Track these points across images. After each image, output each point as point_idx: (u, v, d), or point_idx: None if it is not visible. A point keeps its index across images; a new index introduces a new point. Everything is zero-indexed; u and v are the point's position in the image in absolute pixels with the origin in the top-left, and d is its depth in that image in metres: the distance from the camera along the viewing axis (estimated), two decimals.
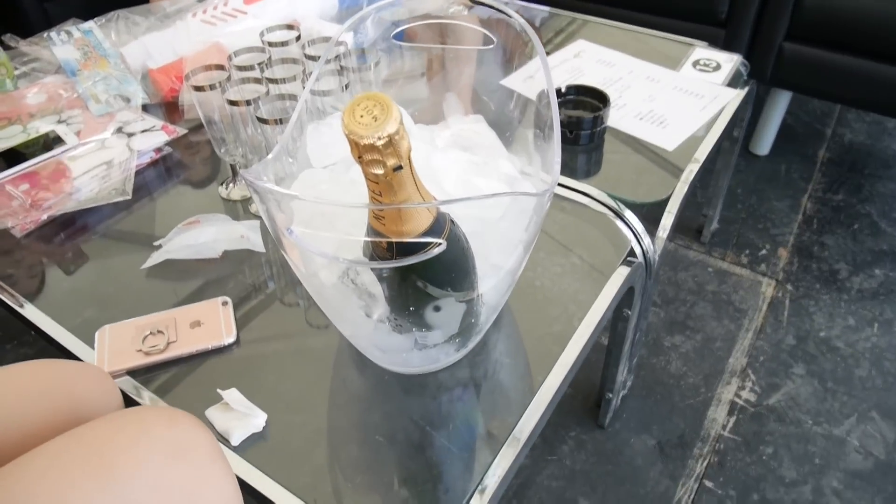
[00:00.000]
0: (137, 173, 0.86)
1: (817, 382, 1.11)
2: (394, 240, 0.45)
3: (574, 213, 0.79)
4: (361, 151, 0.39)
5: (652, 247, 0.77)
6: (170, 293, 0.70)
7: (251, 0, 1.05)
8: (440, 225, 0.46)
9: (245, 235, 0.75)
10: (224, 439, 0.57)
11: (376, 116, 0.39)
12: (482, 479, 0.54)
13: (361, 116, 0.39)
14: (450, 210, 0.48)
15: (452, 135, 0.69)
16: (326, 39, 0.80)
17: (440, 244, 0.44)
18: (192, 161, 0.91)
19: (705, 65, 1.05)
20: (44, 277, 0.74)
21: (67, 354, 0.65)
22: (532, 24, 1.20)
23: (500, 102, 0.75)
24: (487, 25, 0.69)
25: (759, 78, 1.39)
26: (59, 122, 0.92)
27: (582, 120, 0.88)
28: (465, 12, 0.92)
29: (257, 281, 0.72)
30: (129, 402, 0.60)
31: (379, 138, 0.38)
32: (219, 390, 0.59)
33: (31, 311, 0.70)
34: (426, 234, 0.45)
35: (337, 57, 0.73)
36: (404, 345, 0.56)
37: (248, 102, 0.69)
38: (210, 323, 0.66)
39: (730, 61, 1.05)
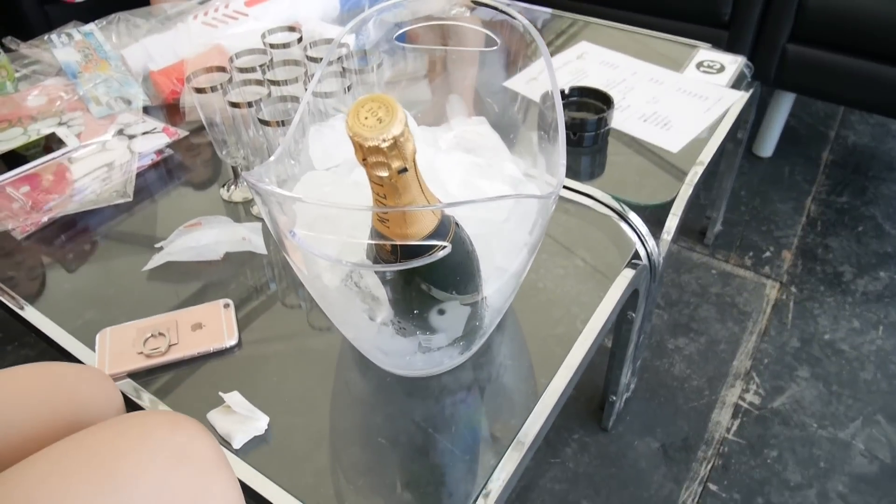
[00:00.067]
0: (138, 175, 0.85)
1: (822, 385, 1.11)
2: (398, 242, 0.45)
3: (578, 215, 0.79)
4: (366, 154, 0.39)
5: (656, 249, 0.76)
6: (171, 295, 0.70)
7: (252, 2, 1.05)
8: (445, 227, 0.46)
9: (247, 237, 0.75)
10: (226, 442, 0.56)
11: (381, 118, 0.38)
12: (486, 482, 0.54)
13: (366, 118, 0.38)
14: (454, 212, 0.48)
15: (455, 137, 0.68)
16: (328, 41, 0.80)
17: (445, 247, 0.44)
18: (193, 163, 0.90)
19: (709, 66, 1.05)
20: (44, 280, 0.74)
21: (68, 357, 0.65)
22: (534, 26, 1.19)
23: (503, 104, 0.75)
24: (489, 27, 0.69)
25: (763, 80, 1.38)
26: (60, 124, 0.91)
27: (586, 122, 0.87)
28: (467, 14, 0.92)
29: (259, 283, 0.71)
30: (129, 404, 0.60)
31: (384, 140, 0.38)
32: (220, 393, 0.59)
33: (31, 314, 0.69)
34: (431, 236, 0.44)
35: (339, 59, 0.72)
36: (408, 348, 0.56)
37: (249, 104, 0.69)
38: (212, 325, 0.65)
39: (734, 63, 1.05)
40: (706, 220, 1.36)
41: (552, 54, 1.10)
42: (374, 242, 0.47)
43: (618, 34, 1.16)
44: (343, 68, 0.71)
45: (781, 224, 1.42)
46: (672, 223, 0.79)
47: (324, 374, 0.62)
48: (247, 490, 0.53)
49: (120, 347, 0.64)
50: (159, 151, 0.90)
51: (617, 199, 0.80)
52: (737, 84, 1.01)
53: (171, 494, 0.41)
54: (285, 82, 0.71)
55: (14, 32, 1.10)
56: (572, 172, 0.86)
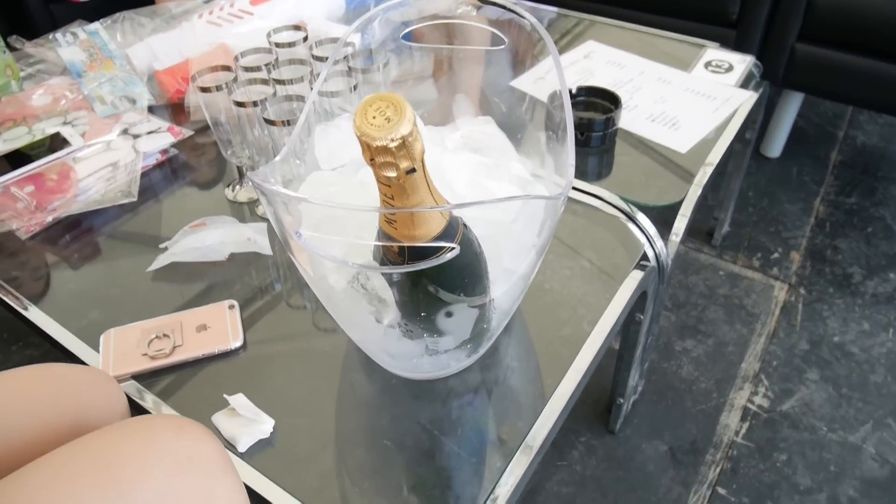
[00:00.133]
0: (143, 175, 0.85)
1: (832, 388, 1.10)
2: (406, 244, 0.44)
3: (585, 215, 0.78)
4: (374, 154, 0.38)
5: (665, 250, 0.75)
6: (176, 296, 0.70)
7: (258, 1, 1.04)
8: (453, 229, 0.45)
9: (252, 238, 0.74)
10: (231, 446, 0.56)
11: (389, 117, 0.37)
12: (494, 487, 0.53)
13: (374, 118, 0.38)
14: (462, 213, 0.47)
15: (462, 136, 0.68)
16: (334, 40, 0.79)
17: (453, 248, 0.43)
18: (198, 163, 0.90)
19: (717, 66, 1.04)
20: (48, 280, 0.74)
21: (72, 358, 0.64)
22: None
23: (510, 104, 0.74)
24: (496, 26, 0.68)
25: (771, 79, 1.37)
26: (65, 123, 0.91)
27: (593, 122, 0.87)
28: (473, 13, 0.91)
29: (264, 284, 0.71)
30: (133, 406, 0.59)
31: (392, 140, 0.37)
32: (225, 395, 0.58)
33: (35, 314, 0.69)
34: (439, 238, 0.44)
35: (345, 58, 0.72)
36: (415, 350, 0.55)
37: (254, 104, 0.69)
38: (216, 326, 0.65)
39: (742, 62, 1.04)
40: (714, 221, 1.35)
41: (559, 53, 1.09)
42: (381, 244, 0.46)
43: (624, 33, 1.15)
44: (349, 67, 0.71)
45: (790, 225, 1.41)
46: (681, 224, 0.79)
47: (329, 376, 0.62)
48: (252, 494, 0.53)
49: (124, 349, 0.63)
50: (164, 151, 0.90)
51: (625, 200, 0.79)
52: (745, 84, 1.00)
53: (175, 499, 0.41)
54: (291, 81, 0.71)
55: (19, 32, 1.10)
56: (580, 173, 0.85)
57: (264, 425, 0.56)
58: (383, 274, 0.50)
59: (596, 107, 0.92)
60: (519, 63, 0.82)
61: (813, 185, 1.50)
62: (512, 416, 0.58)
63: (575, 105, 0.92)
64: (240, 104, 0.69)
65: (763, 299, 1.25)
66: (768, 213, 1.44)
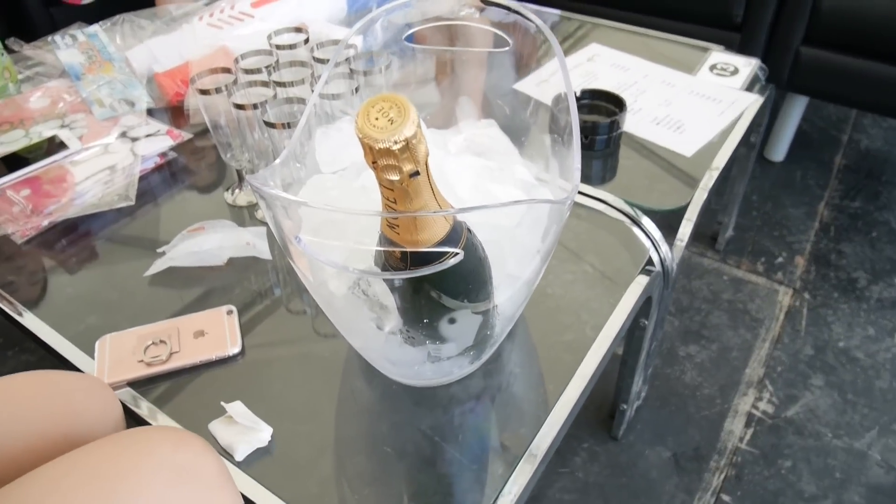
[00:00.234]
0: (141, 178, 0.84)
1: (837, 394, 1.09)
2: (408, 249, 0.43)
3: (590, 219, 0.77)
4: (376, 156, 0.37)
5: (670, 255, 0.74)
6: (173, 301, 0.68)
7: (259, 3, 1.04)
8: (456, 234, 0.44)
9: (251, 242, 0.73)
10: (227, 454, 0.55)
11: (392, 119, 0.36)
12: (497, 496, 0.52)
13: (376, 119, 0.37)
14: (465, 217, 0.46)
15: (465, 139, 0.67)
16: (335, 42, 0.78)
17: (457, 254, 0.42)
18: (197, 166, 0.89)
19: (722, 69, 1.03)
20: (44, 285, 0.73)
21: (67, 364, 0.63)
22: None
23: (513, 107, 0.73)
24: (499, 28, 0.67)
25: (776, 83, 1.36)
26: (63, 126, 0.90)
27: (598, 125, 0.86)
28: (476, 15, 0.90)
29: (263, 289, 0.70)
30: (129, 414, 0.58)
31: (395, 142, 0.36)
32: (223, 403, 0.57)
33: (30, 320, 0.68)
34: (442, 243, 0.43)
35: (346, 60, 0.71)
36: (417, 357, 0.54)
37: (254, 106, 0.68)
38: (214, 333, 0.63)
39: (748, 65, 1.03)
40: (717, 226, 1.34)
41: None
42: (382, 249, 0.45)
43: (628, 36, 1.14)
44: (350, 70, 0.70)
45: (794, 229, 1.40)
46: (686, 229, 0.78)
47: (329, 383, 0.61)
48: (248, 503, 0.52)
49: (120, 355, 0.62)
50: (163, 154, 0.89)
51: (629, 204, 0.78)
52: (751, 87, 0.99)
53: None
54: (291, 84, 0.70)
55: (19, 34, 1.09)
56: (584, 176, 0.83)
57: (262, 433, 0.55)
58: (385, 280, 0.49)
59: (600, 110, 0.91)
60: (522, 66, 0.81)
61: (817, 189, 1.49)
62: (515, 423, 0.57)
63: (579, 108, 0.92)
64: (239, 107, 0.68)
65: (767, 304, 1.24)
66: (772, 217, 1.43)
